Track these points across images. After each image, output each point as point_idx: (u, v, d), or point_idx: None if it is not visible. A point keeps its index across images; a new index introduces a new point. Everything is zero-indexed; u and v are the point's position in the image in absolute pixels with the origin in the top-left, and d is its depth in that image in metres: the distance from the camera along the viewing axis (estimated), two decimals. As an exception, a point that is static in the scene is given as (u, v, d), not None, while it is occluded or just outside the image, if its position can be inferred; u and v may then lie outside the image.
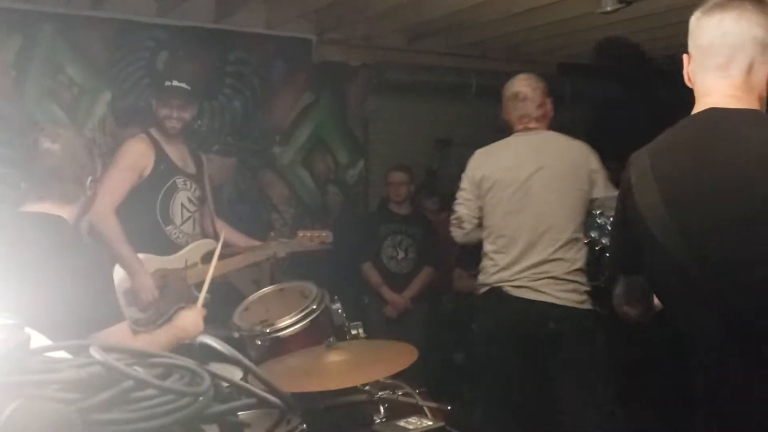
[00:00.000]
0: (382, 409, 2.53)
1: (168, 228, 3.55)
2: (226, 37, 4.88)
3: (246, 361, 0.93)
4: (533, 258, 3.14)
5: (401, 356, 2.44)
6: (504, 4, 4.37)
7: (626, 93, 6.20)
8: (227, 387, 0.93)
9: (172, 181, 3.56)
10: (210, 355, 0.98)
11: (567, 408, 3.20)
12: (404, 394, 2.70)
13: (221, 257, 3.33)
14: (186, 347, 2.25)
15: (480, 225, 3.34)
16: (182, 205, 3.61)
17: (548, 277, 3.12)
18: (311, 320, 2.89)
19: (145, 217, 3.50)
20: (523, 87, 3.29)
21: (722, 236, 1.50)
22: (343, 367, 2.46)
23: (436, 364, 4.63)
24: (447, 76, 5.63)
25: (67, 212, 2.23)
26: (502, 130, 3.46)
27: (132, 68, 4.53)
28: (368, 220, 5.14)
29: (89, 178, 2.27)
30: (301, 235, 3.72)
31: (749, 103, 1.57)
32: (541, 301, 3.12)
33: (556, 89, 6.11)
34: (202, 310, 2.57)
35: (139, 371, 0.83)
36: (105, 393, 0.79)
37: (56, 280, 2.02)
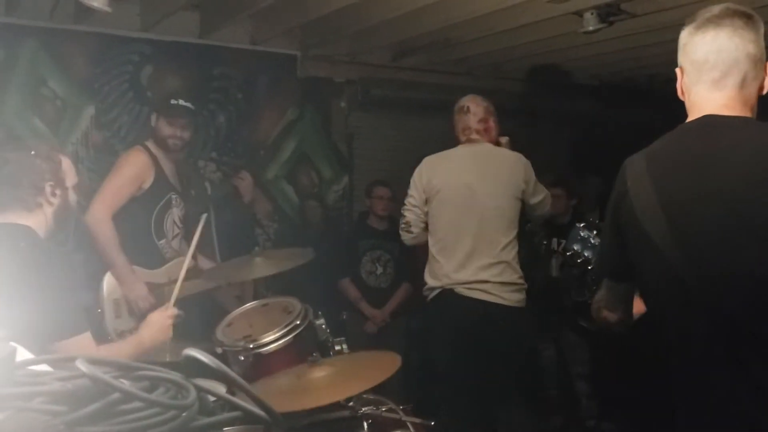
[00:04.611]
0: (365, 424, 2.52)
1: (161, 243, 3.55)
2: (210, 52, 4.88)
3: (232, 374, 0.93)
4: (479, 261, 3.40)
5: (385, 366, 2.44)
6: (488, 23, 4.42)
7: (607, 111, 6.28)
8: (213, 401, 0.93)
9: (168, 196, 3.57)
10: (196, 368, 0.98)
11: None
12: (388, 410, 2.69)
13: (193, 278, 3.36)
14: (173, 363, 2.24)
15: (426, 229, 3.59)
16: (174, 221, 3.62)
17: (496, 280, 3.39)
18: (295, 336, 2.87)
19: (139, 229, 3.49)
20: (468, 102, 3.60)
21: (717, 239, 1.52)
22: (328, 383, 2.45)
23: (413, 379, 4.63)
24: (431, 93, 5.66)
25: (32, 221, 2.23)
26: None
27: (116, 82, 4.52)
28: (347, 235, 5.15)
29: (48, 184, 2.26)
30: None
31: (742, 113, 1.61)
32: (490, 302, 3.39)
33: (538, 106, 6.22)
34: (173, 311, 2.55)
35: (126, 384, 0.83)
36: (92, 406, 0.79)
37: (24, 291, 2.00)
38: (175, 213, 3.62)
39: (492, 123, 3.58)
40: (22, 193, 2.22)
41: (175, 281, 3.43)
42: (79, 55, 4.43)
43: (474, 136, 3.55)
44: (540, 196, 3.54)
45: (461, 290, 3.41)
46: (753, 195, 1.48)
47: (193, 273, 3.45)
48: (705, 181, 1.55)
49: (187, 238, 3.70)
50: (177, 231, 3.65)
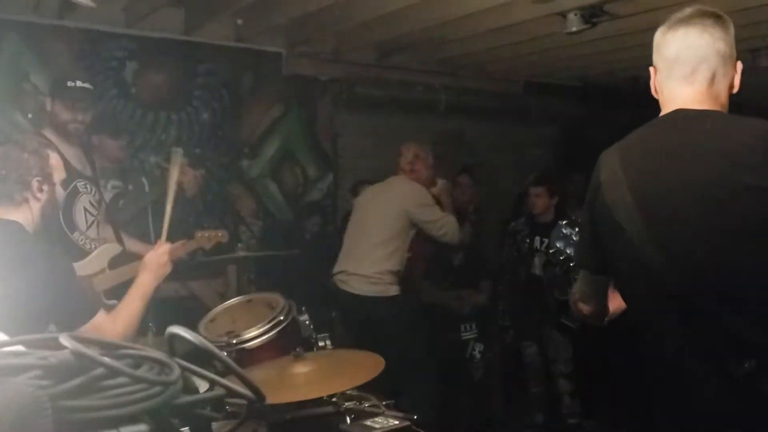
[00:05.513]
0: (348, 420, 2.52)
1: (74, 234, 3.32)
2: (195, 48, 4.87)
3: (216, 350, 0.93)
4: (352, 260, 4.22)
5: (368, 366, 2.44)
6: (472, 23, 4.44)
7: (590, 111, 6.33)
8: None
9: (73, 185, 3.31)
10: (180, 351, 0.98)
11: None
12: (371, 406, 2.69)
13: (128, 262, 3.29)
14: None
15: None
16: (85, 209, 3.40)
17: (352, 272, 4.18)
18: (278, 331, 2.86)
19: (48, 224, 3.32)
20: (403, 147, 4.47)
21: (688, 230, 1.54)
22: (311, 378, 2.44)
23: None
24: (416, 93, 5.69)
25: (20, 216, 2.23)
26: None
27: (99, 78, 4.48)
28: (333, 234, 5.13)
29: (35, 179, 2.26)
30: (199, 235, 3.59)
31: (713, 108, 1.64)
32: (346, 291, 4.17)
33: (522, 107, 6.27)
34: (167, 245, 2.62)
35: (109, 360, 0.83)
36: (75, 380, 0.79)
37: (25, 286, 2.01)
38: (86, 199, 3.39)
39: (419, 166, 4.39)
40: (9, 187, 2.22)
41: (101, 271, 3.35)
42: (63, 51, 4.40)
43: (400, 173, 4.42)
44: (429, 218, 4.28)
45: (334, 281, 4.26)
46: (722, 185, 1.51)
47: (122, 258, 3.36)
48: (675, 172, 1.58)
49: (107, 221, 3.56)
50: (91, 219, 3.41)
